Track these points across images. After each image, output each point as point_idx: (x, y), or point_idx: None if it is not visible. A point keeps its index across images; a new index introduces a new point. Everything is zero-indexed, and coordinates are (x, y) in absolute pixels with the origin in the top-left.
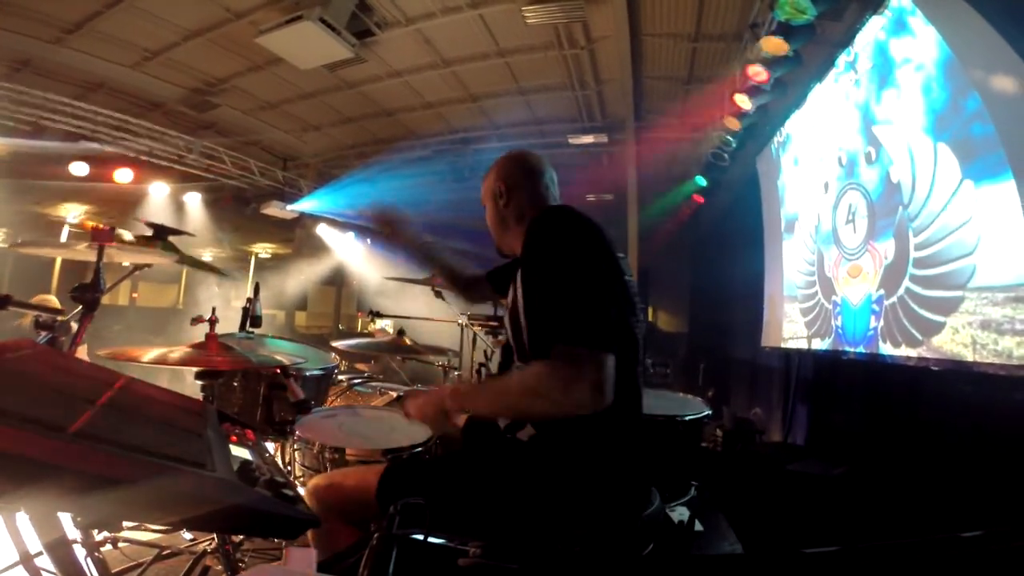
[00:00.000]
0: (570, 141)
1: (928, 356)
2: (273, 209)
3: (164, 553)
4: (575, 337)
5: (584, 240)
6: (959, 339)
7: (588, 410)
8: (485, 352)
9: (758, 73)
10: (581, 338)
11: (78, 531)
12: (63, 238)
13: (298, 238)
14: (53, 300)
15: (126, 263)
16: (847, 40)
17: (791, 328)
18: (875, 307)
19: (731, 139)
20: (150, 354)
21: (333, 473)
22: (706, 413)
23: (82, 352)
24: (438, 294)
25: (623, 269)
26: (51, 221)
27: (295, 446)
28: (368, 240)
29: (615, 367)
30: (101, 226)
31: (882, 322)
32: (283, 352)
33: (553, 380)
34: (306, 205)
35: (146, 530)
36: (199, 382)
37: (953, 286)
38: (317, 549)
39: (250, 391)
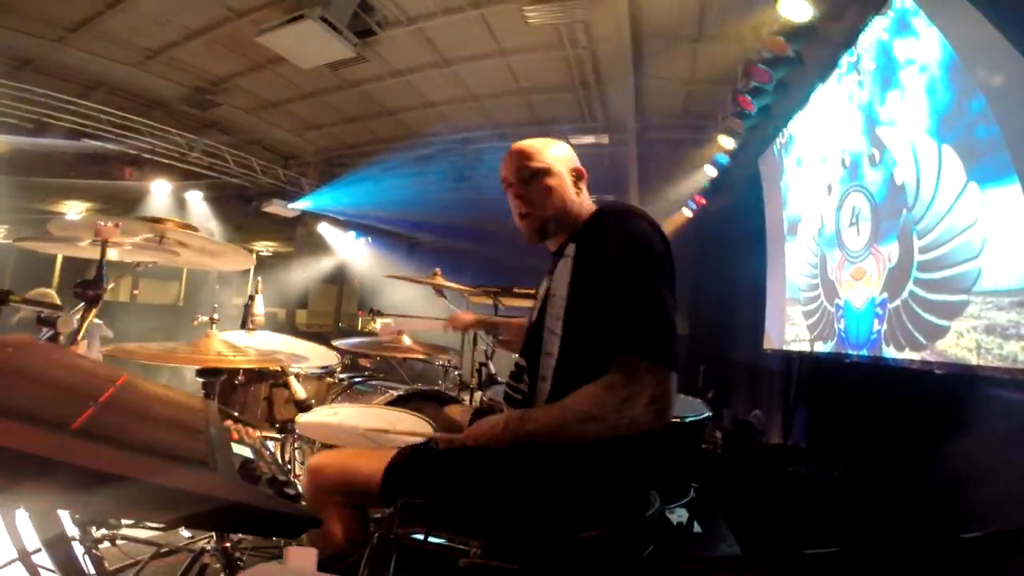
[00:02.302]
0: (571, 141)
1: (932, 360)
2: (275, 207)
3: (162, 551)
4: (639, 347)
5: (663, 250)
6: (963, 343)
7: (643, 428)
8: (485, 351)
9: (760, 74)
10: (645, 349)
11: (76, 528)
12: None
13: (299, 236)
14: (51, 294)
15: (128, 260)
16: (850, 41)
17: (793, 331)
18: (878, 310)
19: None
20: (151, 351)
21: (336, 451)
22: (706, 415)
23: (83, 349)
24: (439, 292)
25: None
26: (53, 218)
27: (296, 445)
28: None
29: (667, 375)
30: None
31: (885, 325)
32: (284, 351)
33: (607, 398)
34: (307, 203)
35: (144, 528)
36: (199, 380)
37: (958, 290)
38: (312, 536)
39: (251, 390)
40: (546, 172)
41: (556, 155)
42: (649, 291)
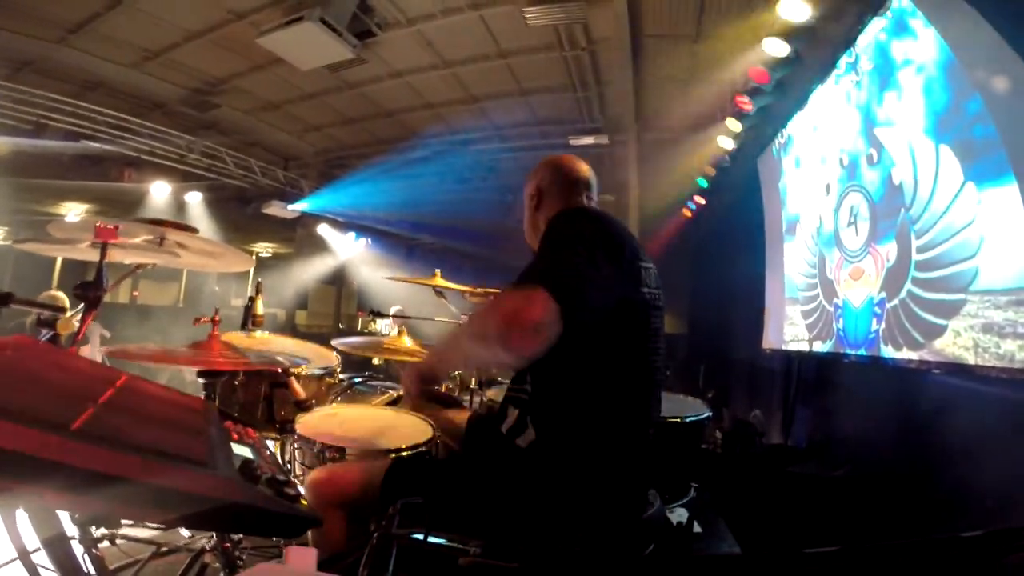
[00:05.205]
0: (571, 142)
1: (930, 359)
2: (274, 209)
3: (162, 550)
4: (515, 284)
5: (583, 230)
6: (961, 342)
7: (495, 340)
8: None
9: (759, 74)
10: (527, 278)
11: (76, 527)
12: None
13: (299, 237)
14: (62, 297)
15: (128, 261)
16: (848, 41)
17: (792, 330)
18: (877, 310)
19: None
20: (155, 353)
21: (334, 467)
22: (706, 415)
23: (84, 350)
24: (439, 293)
25: (638, 277)
26: (52, 219)
27: (296, 445)
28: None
29: (551, 304)
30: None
31: (883, 325)
32: (285, 351)
33: (479, 306)
34: (307, 205)
35: (144, 527)
36: (200, 380)
37: (955, 289)
38: (315, 545)
39: (251, 390)
40: (527, 199)
41: (529, 181)
42: (554, 251)
